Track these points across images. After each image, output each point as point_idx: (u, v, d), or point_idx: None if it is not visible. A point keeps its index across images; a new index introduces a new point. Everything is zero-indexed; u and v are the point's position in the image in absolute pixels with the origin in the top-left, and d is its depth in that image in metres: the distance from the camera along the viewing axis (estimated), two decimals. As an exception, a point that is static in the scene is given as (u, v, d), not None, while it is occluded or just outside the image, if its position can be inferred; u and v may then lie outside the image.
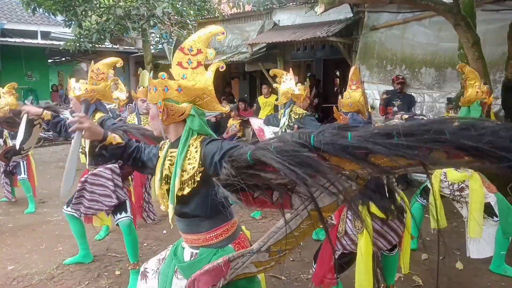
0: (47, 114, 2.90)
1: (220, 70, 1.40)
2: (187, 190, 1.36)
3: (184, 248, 1.54)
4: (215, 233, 1.44)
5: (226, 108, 1.51)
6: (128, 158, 1.69)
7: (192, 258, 1.49)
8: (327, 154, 0.96)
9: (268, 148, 1.03)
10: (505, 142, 0.82)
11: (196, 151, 1.37)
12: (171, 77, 1.39)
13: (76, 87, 2.71)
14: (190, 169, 1.36)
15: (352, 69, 2.49)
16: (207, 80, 1.39)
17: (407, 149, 0.85)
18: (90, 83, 2.72)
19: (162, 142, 1.60)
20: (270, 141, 1.07)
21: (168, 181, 1.43)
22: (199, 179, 1.35)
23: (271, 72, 4.07)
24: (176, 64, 1.38)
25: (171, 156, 1.45)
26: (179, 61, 1.38)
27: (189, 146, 1.39)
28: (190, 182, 1.36)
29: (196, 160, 1.36)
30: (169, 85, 1.38)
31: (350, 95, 2.37)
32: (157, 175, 1.49)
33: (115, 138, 1.68)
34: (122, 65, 2.87)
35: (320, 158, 0.98)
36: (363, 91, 2.41)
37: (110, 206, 2.78)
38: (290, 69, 3.98)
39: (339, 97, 2.51)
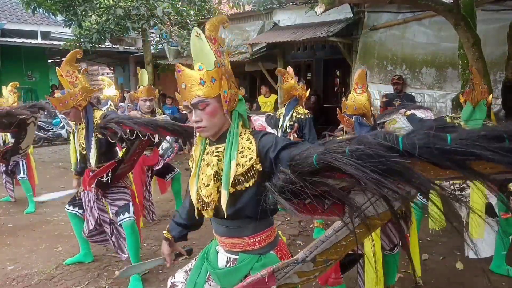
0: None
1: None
2: (246, 185, 1.26)
3: (218, 252, 1.45)
4: (258, 238, 1.35)
5: (242, 91, 1.39)
6: (192, 226, 1.64)
7: (228, 264, 1.40)
8: (420, 159, 0.80)
9: (342, 150, 0.88)
10: None
11: (250, 142, 1.28)
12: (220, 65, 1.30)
13: (67, 99, 2.58)
14: (246, 161, 1.25)
15: (357, 72, 2.45)
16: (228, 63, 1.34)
17: None
18: (71, 87, 2.58)
19: (193, 148, 1.47)
20: (343, 143, 0.91)
21: (219, 178, 1.29)
22: (260, 168, 1.24)
23: (277, 72, 4.09)
24: (214, 53, 1.28)
25: (218, 152, 1.32)
26: (214, 50, 1.28)
27: (240, 138, 1.30)
28: (249, 175, 1.25)
29: (253, 151, 1.26)
30: (224, 71, 1.27)
31: (355, 99, 2.33)
32: (193, 179, 1.36)
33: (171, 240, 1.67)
34: (82, 54, 2.70)
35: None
36: (369, 95, 2.36)
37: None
38: (289, 67, 3.99)
39: (343, 99, 2.46)
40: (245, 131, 1.33)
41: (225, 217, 1.30)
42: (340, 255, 1.10)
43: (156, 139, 2.67)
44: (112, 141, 2.63)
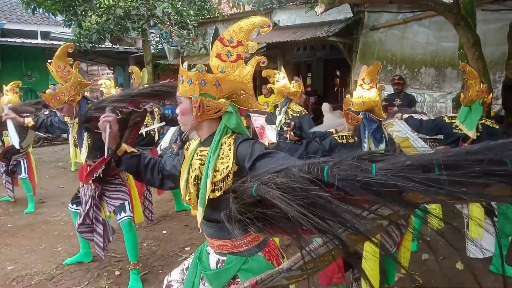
0: (29, 122, 2.89)
1: (261, 65, 1.30)
2: (218, 193, 1.25)
3: (209, 253, 1.46)
4: (245, 240, 1.35)
5: (264, 106, 1.38)
6: (145, 169, 1.58)
7: (218, 266, 1.41)
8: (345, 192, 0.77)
9: (274, 182, 0.85)
10: None
11: (230, 149, 1.27)
12: (209, 70, 1.28)
13: (59, 94, 2.58)
14: (224, 168, 1.25)
15: (364, 68, 2.42)
16: (247, 75, 1.29)
17: (453, 186, 0.66)
18: (63, 82, 2.56)
19: (188, 143, 1.51)
20: (277, 174, 0.88)
21: (199, 182, 1.31)
22: (231, 179, 1.24)
23: (263, 74, 4.02)
24: (215, 56, 1.27)
25: (201, 156, 1.34)
26: (218, 53, 1.27)
27: (221, 145, 1.29)
28: (223, 183, 1.24)
29: (230, 159, 1.25)
30: (207, 78, 1.26)
31: (363, 95, 2.28)
32: (183, 177, 1.38)
33: (128, 147, 1.60)
34: (73, 49, 2.67)
35: (338, 195, 0.78)
36: (381, 89, 2.31)
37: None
38: (282, 67, 3.97)
39: (347, 96, 2.41)
40: (230, 136, 1.31)
41: (217, 221, 1.32)
42: (330, 262, 1.07)
43: (141, 119, 2.62)
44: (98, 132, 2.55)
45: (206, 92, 1.27)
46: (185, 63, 1.30)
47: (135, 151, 1.61)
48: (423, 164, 0.70)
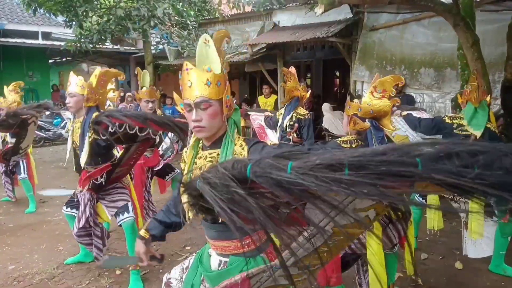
0: None
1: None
2: None
3: (211, 255, 1.48)
4: (247, 241, 1.36)
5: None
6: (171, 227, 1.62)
7: (220, 267, 1.43)
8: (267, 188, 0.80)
9: (206, 179, 0.89)
10: (505, 176, 0.67)
11: (243, 149, 1.34)
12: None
13: (78, 84, 2.72)
14: None
15: (376, 76, 2.39)
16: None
17: (357, 185, 0.70)
18: (96, 86, 2.70)
19: (185, 149, 1.52)
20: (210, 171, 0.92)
21: None
22: None
23: (283, 71, 4.11)
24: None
25: (211, 158, 1.37)
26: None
27: (234, 144, 1.36)
28: None
29: (244, 157, 1.30)
30: (226, 78, 1.35)
31: (372, 103, 2.26)
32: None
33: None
34: (124, 79, 2.89)
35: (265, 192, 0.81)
36: (394, 102, 2.29)
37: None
38: (292, 67, 3.99)
39: (355, 100, 2.39)
40: (239, 137, 1.38)
41: (214, 221, 1.33)
42: (326, 260, 1.08)
43: (152, 136, 2.68)
44: (103, 137, 2.60)
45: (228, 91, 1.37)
46: (207, 66, 1.31)
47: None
48: (332, 164, 0.73)
